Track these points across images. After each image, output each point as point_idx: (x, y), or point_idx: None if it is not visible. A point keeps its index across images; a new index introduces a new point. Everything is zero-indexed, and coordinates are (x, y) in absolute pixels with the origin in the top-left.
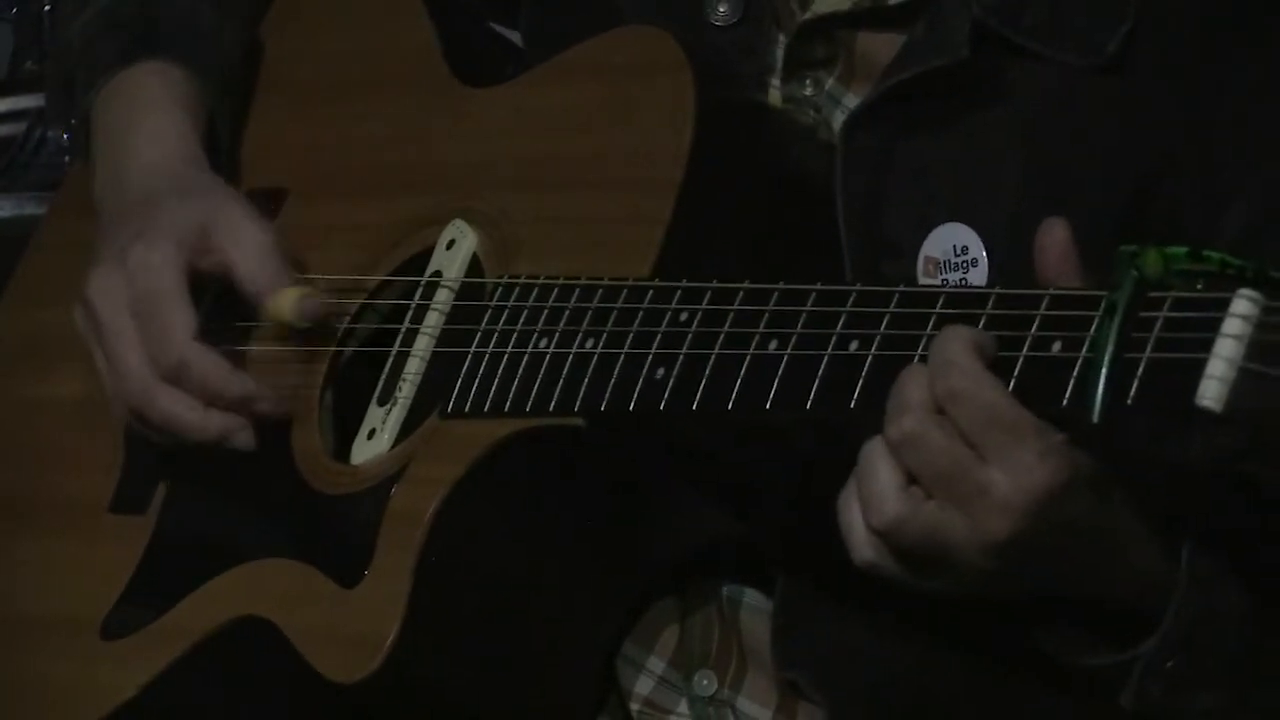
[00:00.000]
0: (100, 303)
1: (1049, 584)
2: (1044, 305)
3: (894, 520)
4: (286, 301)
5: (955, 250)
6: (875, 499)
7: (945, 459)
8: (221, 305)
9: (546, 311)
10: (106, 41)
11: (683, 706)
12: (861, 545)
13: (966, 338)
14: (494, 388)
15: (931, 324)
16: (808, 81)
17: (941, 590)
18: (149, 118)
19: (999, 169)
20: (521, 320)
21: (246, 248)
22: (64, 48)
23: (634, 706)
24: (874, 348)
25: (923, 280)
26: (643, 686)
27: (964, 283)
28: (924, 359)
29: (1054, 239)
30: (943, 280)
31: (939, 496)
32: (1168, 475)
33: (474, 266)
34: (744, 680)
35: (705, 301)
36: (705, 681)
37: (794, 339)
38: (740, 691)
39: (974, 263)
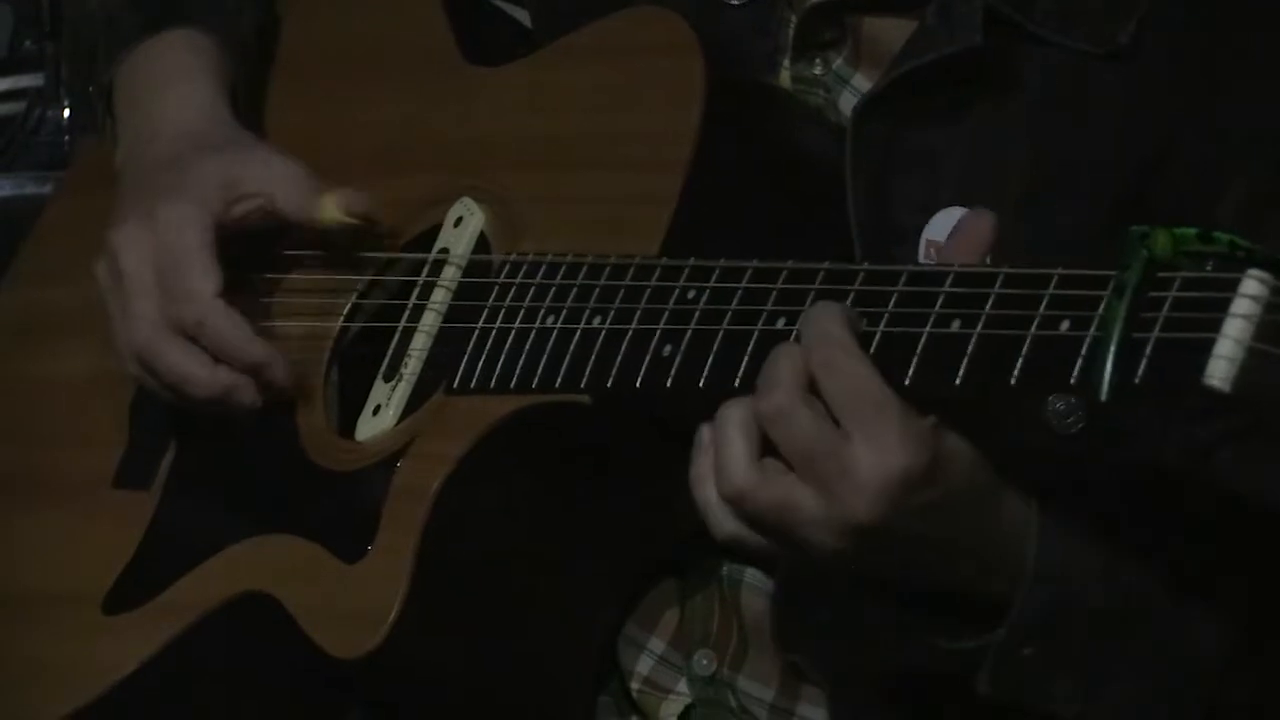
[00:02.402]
0: (125, 254)
1: (909, 567)
2: (1053, 284)
3: (742, 489)
4: (333, 201)
5: None
6: (727, 468)
7: (811, 436)
8: (236, 277)
9: (554, 289)
10: (131, 13)
11: (682, 685)
12: (720, 518)
13: (840, 312)
14: (500, 364)
15: (940, 303)
16: (817, 61)
17: (811, 562)
18: (179, 84)
19: (1006, 154)
20: (529, 297)
21: (284, 181)
22: (84, 20)
23: (634, 686)
24: (882, 325)
25: (924, 263)
26: (643, 666)
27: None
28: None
29: (979, 229)
30: None
31: (799, 473)
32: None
33: (481, 244)
34: (745, 660)
35: (713, 279)
36: (705, 661)
37: (802, 317)
38: (741, 671)
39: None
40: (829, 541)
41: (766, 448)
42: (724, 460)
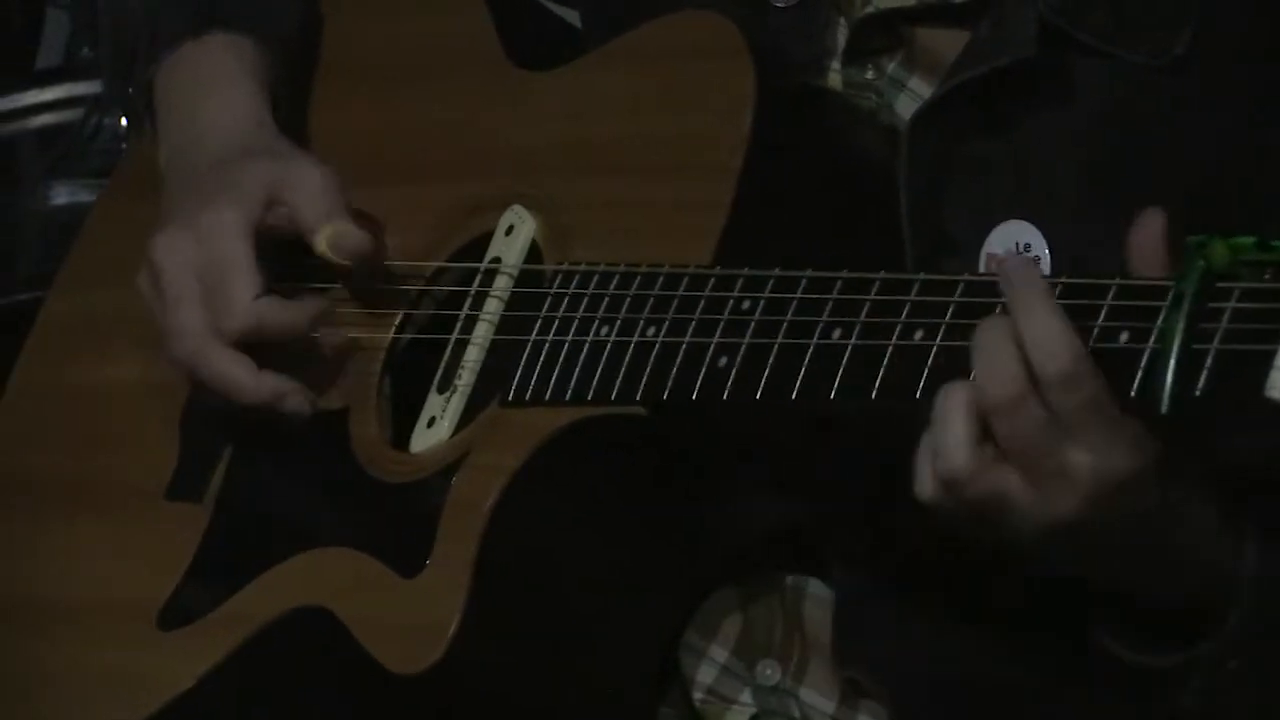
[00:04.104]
0: (167, 263)
1: (1113, 573)
2: (1111, 295)
3: (960, 473)
4: (325, 234)
5: (1019, 247)
6: (946, 449)
7: (1037, 433)
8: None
9: (608, 299)
10: (172, 13)
11: (746, 696)
12: (926, 483)
13: (1065, 319)
14: (555, 376)
15: (997, 313)
16: (869, 66)
17: (998, 546)
18: (221, 88)
19: (1062, 167)
20: (582, 307)
21: (306, 189)
22: (123, 20)
23: (697, 695)
24: (939, 338)
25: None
26: (705, 675)
27: None
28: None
29: (1149, 231)
30: None
31: (1015, 465)
32: (1240, 468)
33: (533, 252)
34: (806, 670)
35: (768, 290)
36: (769, 671)
37: (858, 328)
38: (803, 682)
39: (1036, 261)
40: (1032, 533)
41: (986, 430)
42: (943, 441)
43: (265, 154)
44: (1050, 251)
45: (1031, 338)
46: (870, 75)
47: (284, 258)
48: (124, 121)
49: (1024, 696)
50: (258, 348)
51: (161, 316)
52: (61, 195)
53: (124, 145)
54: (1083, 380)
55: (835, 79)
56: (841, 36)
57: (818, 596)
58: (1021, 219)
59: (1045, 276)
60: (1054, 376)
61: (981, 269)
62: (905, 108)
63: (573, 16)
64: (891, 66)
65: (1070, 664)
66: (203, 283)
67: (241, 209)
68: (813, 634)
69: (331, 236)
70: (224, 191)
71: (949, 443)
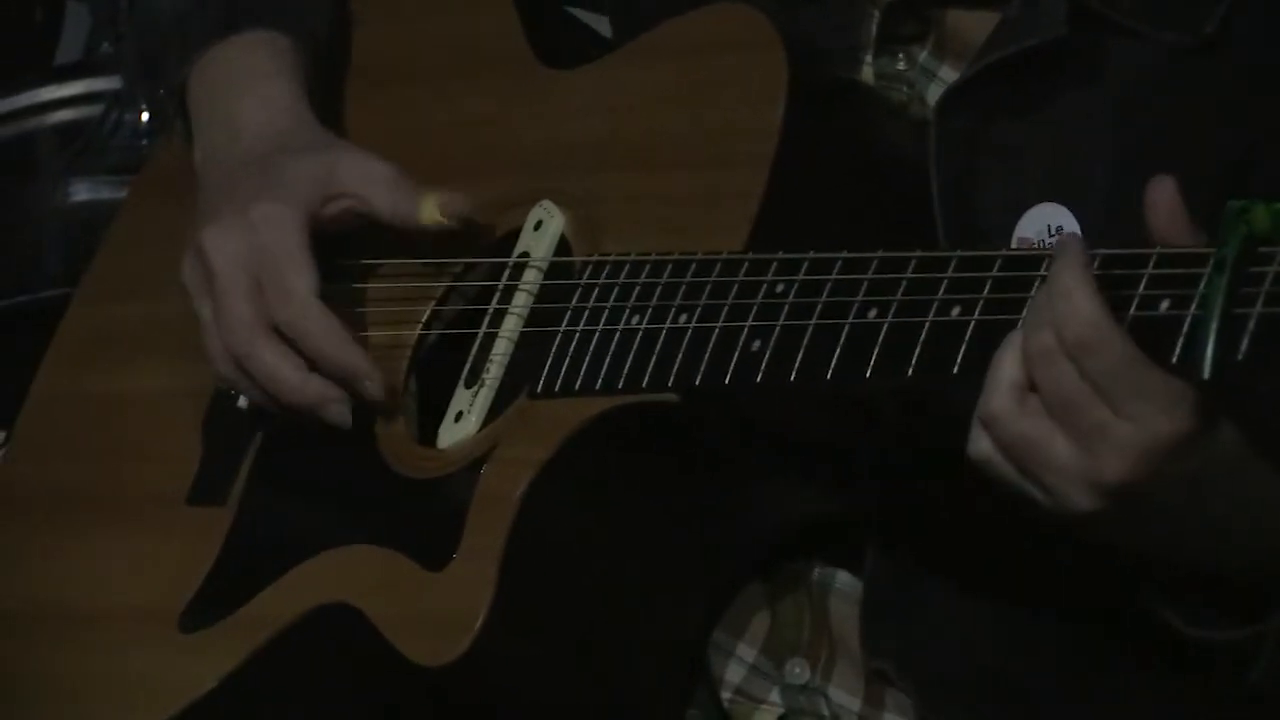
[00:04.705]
0: (216, 254)
1: (1168, 542)
2: (1151, 264)
3: (996, 413)
4: (432, 204)
5: (1050, 230)
6: (989, 389)
7: (1073, 387)
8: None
9: (638, 288)
10: (205, 13)
11: (775, 695)
12: (975, 435)
13: (1087, 288)
14: (584, 366)
15: (1035, 287)
16: (900, 56)
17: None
18: (260, 85)
19: (1094, 148)
20: (612, 297)
21: (377, 182)
22: (150, 20)
23: (725, 695)
24: (977, 312)
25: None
26: (734, 674)
27: None
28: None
29: (1163, 196)
30: None
31: (1058, 419)
32: None
33: (562, 247)
34: (834, 668)
35: (803, 272)
36: (798, 670)
37: (894, 306)
38: (830, 680)
39: None
40: (1080, 497)
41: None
42: (990, 381)
43: (311, 148)
44: (1083, 233)
45: (1054, 304)
46: (902, 66)
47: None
48: (144, 117)
49: (1055, 686)
50: None
51: (209, 307)
52: (82, 192)
53: (144, 141)
54: (1101, 348)
55: (868, 72)
56: (874, 27)
57: (844, 591)
58: (1053, 202)
59: (1078, 237)
60: (1072, 342)
61: None
62: (936, 97)
63: (604, 25)
64: (923, 56)
65: (1109, 651)
66: (254, 276)
67: (294, 203)
68: (839, 631)
69: (440, 202)
70: (274, 187)
71: (994, 380)
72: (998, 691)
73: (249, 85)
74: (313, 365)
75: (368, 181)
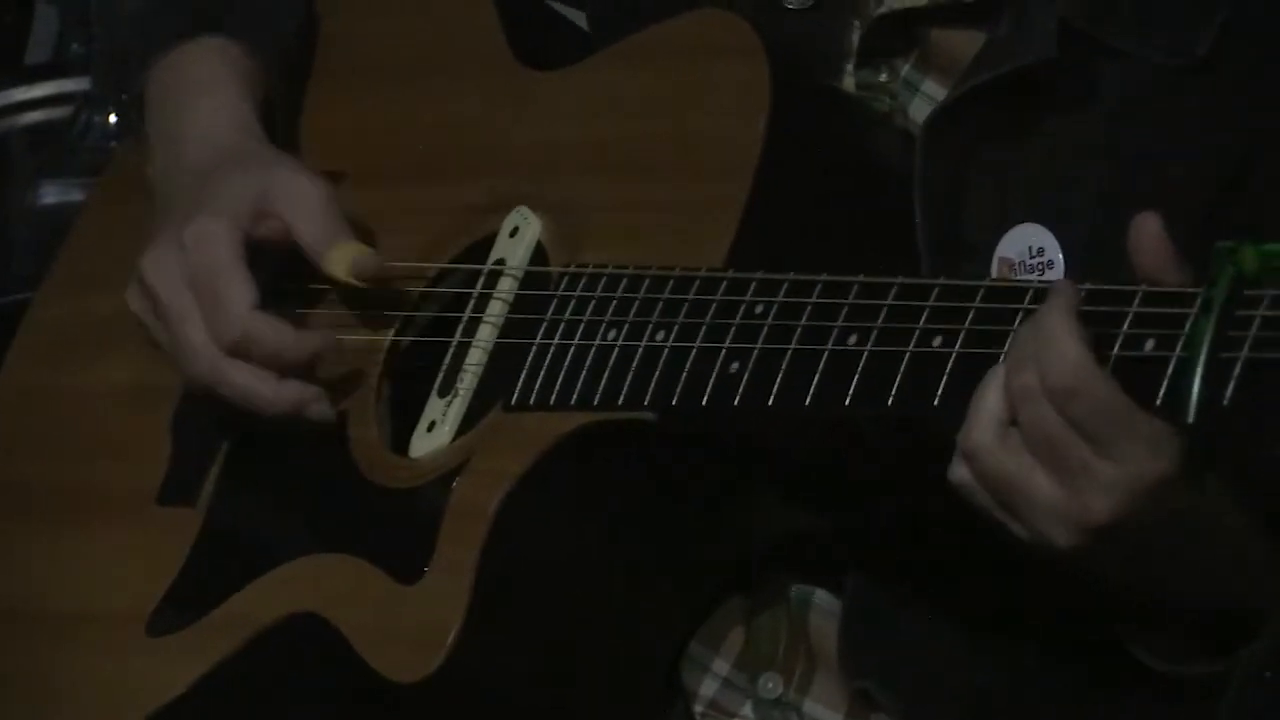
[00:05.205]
0: (158, 282)
1: (1145, 576)
2: (1136, 302)
3: (977, 447)
4: (342, 257)
5: (1031, 251)
6: (970, 419)
7: (1056, 430)
8: (278, 290)
9: (615, 302)
10: (164, 16)
11: (747, 709)
12: (955, 462)
13: (1072, 333)
14: (560, 380)
15: (1018, 320)
16: (883, 68)
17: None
18: (207, 94)
19: (1080, 170)
20: (589, 310)
21: (303, 206)
22: (115, 22)
23: (698, 709)
24: (958, 344)
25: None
26: (707, 688)
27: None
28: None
29: (1148, 233)
30: None
31: (1039, 458)
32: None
33: (538, 254)
34: (811, 683)
35: (782, 294)
36: (770, 684)
37: (874, 334)
38: (807, 694)
39: (1050, 265)
40: (1059, 534)
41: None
42: (972, 413)
43: (250, 162)
44: (1064, 256)
45: (1039, 348)
46: (884, 78)
47: (270, 266)
48: (112, 119)
49: (1041, 707)
50: None
51: (165, 337)
52: (51, 194)
53: (113, 144)
54: (1085, 393)
55: (849, 82)
56: (856, 39)
57: (823, 608)
58: (1037, 223)
59: (1071, 282)
60: (1055, 388)
61: (994, 273)
62: (919, 111)
63: (578, 17)
64: (905, 69)
65: (1091, 675)
66: (197, 295)
67: (227, 217)
68: (818, 646)
69: (352, 264)
70: (208, 201)
71: (976, 412)
72: (982, 710)
73: (198, 94)
74: (279, 370)
75: (295, 204)
